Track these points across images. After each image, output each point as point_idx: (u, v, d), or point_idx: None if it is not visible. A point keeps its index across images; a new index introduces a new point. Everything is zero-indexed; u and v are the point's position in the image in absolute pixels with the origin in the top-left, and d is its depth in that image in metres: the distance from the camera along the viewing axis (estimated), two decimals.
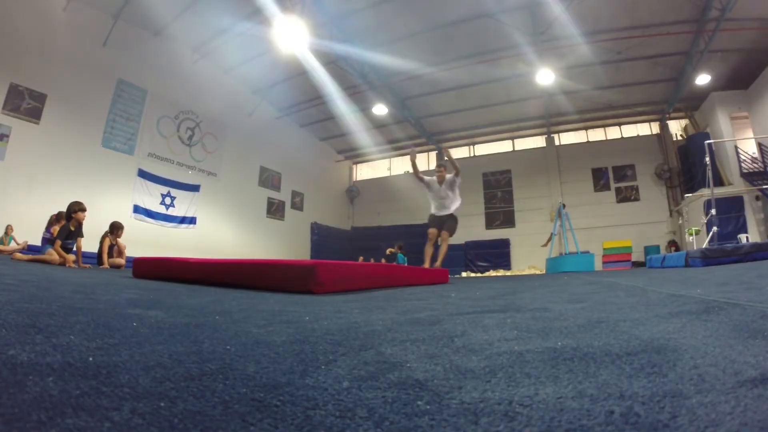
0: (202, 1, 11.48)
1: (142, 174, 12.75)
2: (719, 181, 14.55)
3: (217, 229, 15.01)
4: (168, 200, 13.51)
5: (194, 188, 14.41)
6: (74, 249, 7.18)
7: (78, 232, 7.13)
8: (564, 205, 16.13)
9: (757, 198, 14.71)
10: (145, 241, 11.61)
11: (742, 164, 15.44)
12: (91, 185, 11.01)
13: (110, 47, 11.80)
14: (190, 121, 14.47)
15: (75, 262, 7.04)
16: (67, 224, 7.04)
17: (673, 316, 1.28)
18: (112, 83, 12.11)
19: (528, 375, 0.68)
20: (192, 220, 14.25)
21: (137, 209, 12.51)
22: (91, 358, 0.71)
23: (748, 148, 15.70)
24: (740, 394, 0.55)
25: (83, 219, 7.13)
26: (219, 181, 15.35)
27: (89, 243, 7.92)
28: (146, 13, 11.53)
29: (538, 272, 16.96)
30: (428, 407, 0.53)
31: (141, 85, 12.77)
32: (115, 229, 8.45)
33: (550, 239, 15.96)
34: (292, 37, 11.56)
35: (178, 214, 13.82)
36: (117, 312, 1.31)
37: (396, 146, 21.78)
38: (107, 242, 8.25)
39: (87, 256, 7.86)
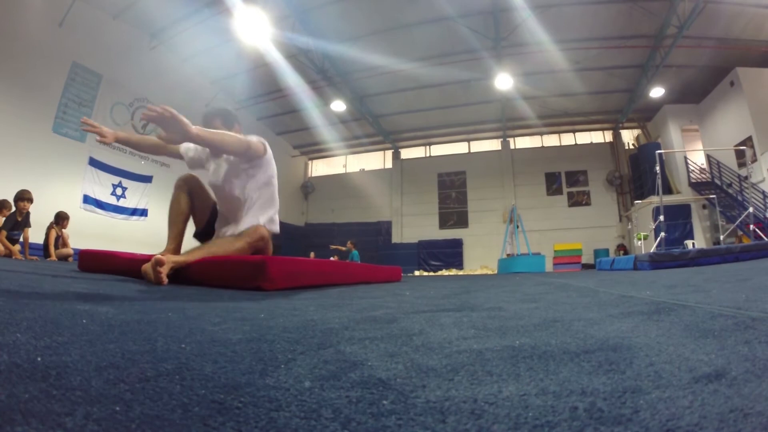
0: None
1: (93, 163, 12.20)
2: (668, 189, 15.31)
3: None
4: (119, 191, 13.00)
5: (146, 179, 13.91)
6: (20, 240, 6.83)
7: (24, 222, 6.79)
8: (519, 218, 16.53)
9: (704, 206, 15.57)
10: (94, 233, 11.13)
11: (691, 174, 16.35)
12: (41, 173, 10.42)
13: (66, 28, 11.20)
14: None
15: (21, 253, 6.70)
16: (12, 214, 6.69)
17: (625, 316, 1.33)
18: (66, 66, 11.48)
19: (490, 373, 0.69)
20: (143, 212, 13.76)
21: (87, 199, 11.97)
22: (39, 358, 0.66)
23: (697, 159, 16.61)
24: (697, 390, 0.57)
25: (28, 208, 6.78)
26: (172, 172, 14.78)
27: (36, 234, 7.53)
28: None
29: (489, 272, 17.32)
30: (394, 406, 0.52)
31: (96, 69, 12.19)
32: (61, 219, 8.07)
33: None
34: (253, 28, 11.36)
35: (129, 206, 13.32)
36: (65, 307, 1.24)
37: (353, 143, 21.83)
38: (53, 233, 7.87)
39: (33, 248, 7.47)
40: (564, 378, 0.65)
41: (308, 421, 0.47)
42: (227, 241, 3.09)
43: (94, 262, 3.68)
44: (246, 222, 3.27)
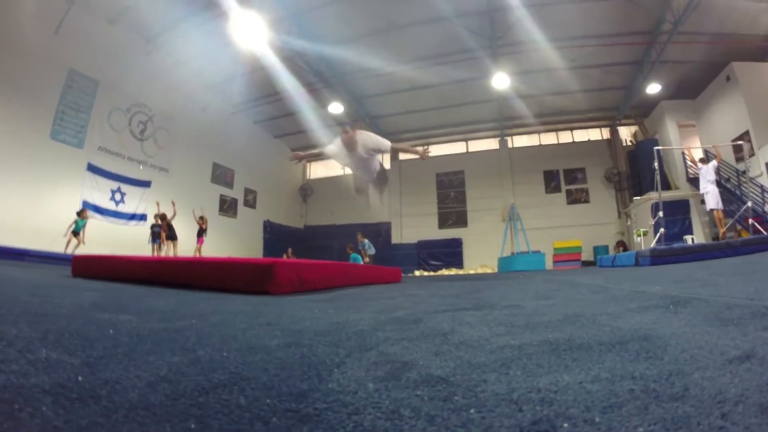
0: None
1: (92, 168, 12.14)
2: (666, 185, 15.31)
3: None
4: (118, 196, 12.94)
5: (145, 184, 13.87)
6: None
7: None
8: (519, 216, 16.50)
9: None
10: (94, 238, 11.04)
11: (689, 170, 16.32)
12: (39, 180, 10.36)
13: (62, 35, 11.13)
14: (143, 114, 13.90)
15: None
16: None
17: (644, 310, 1.35)
18: (63, 72, 11.38)
19: (540, 365, 0.71)
20: (142, 217, 13.69)
21: (86, 205, 11.89)
22: (80, 377, 0.62)
23: (695, 154, 16.59)
24: (732, 369, 0.62)
25: None
26: (170, 177, 14.79)
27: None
28: (101, 0, 10.99)
29: (489, 271, 17.32)
30: (467, 401, 0.53)
31: (93, 75, 12.08)
32: None
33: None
34: (249, 32, 11.34)
35: (128, 211, 13.25)
36: (86, 318, 1.22)
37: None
38: None
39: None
40: (610, 366, 0.69)
41: (392, 422, 0.48)
42: None
43: (90, 267, 3.59)
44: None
